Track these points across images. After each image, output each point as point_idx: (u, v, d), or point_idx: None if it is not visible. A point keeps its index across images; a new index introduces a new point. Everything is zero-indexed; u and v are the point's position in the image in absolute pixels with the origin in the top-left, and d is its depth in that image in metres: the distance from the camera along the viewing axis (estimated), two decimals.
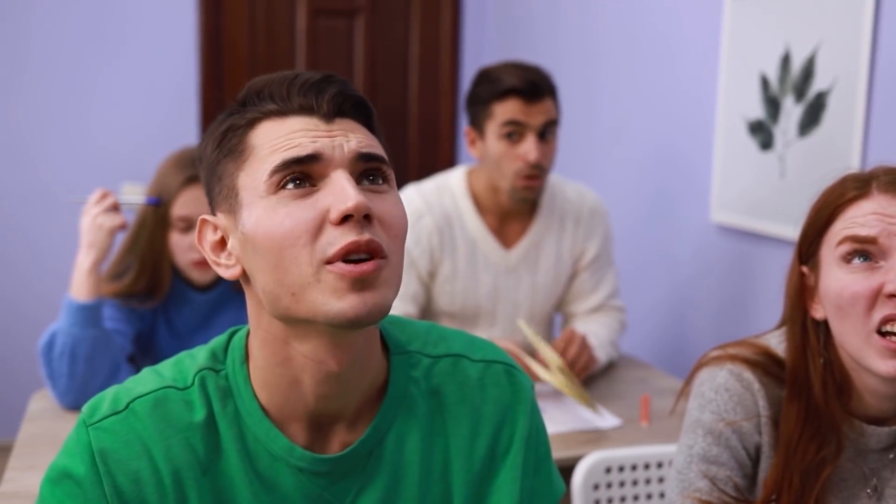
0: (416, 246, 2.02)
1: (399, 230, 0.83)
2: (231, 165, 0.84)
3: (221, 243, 0.87)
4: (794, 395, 1.13)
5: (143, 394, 0.87)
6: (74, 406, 1.75)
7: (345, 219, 0.79)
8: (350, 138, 0.83)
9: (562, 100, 3.13)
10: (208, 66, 3.52)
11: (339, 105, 0.85)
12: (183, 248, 1.83)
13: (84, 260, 1.75)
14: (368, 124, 0.88)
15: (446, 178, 2.11)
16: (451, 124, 3.89)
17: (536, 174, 1.96)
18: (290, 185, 0.81)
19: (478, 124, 2.01)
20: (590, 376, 2.05)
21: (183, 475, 0.85)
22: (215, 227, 0.87)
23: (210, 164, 0.87)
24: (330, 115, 0.84)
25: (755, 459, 1.16)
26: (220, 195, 0.86)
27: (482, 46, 3.74)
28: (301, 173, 0.81)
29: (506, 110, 1.94)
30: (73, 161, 3.40)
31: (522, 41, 3.44)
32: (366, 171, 0.83)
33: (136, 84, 3.45)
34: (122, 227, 1.78)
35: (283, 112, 0.84)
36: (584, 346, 1.96)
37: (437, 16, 3.81)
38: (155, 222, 1.83)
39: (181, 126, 3.50)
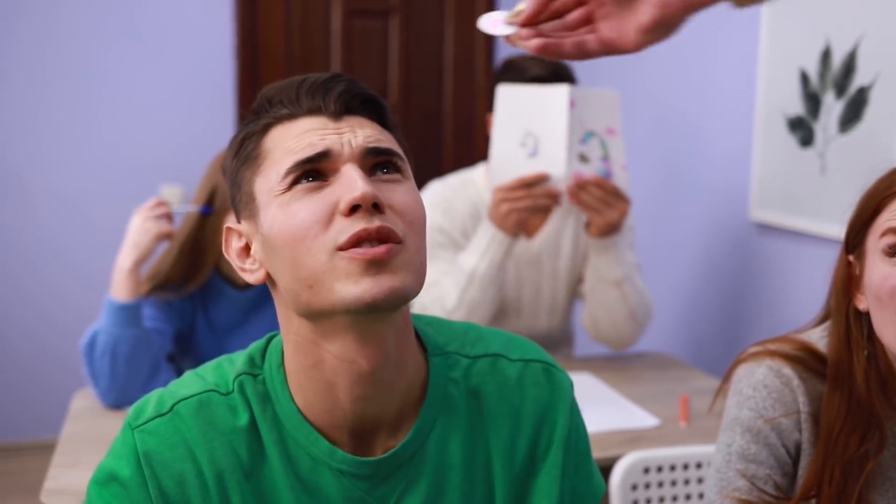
0: (452, 227, 2.05)
1: (414, 216, 0.84)
2: (248, 172, 0.86)
3: (246, 249, 0.88)
4: (836, 387, 1.10)
5: (187, 396, 0.88)
6: (116, 404, 1.77)
7: (355, 209, 0.79)
8: (358, 134, 0.84)
9: None
10: (245, 69, 3.55)
11: (347, 103, 0.86)
12: None
13: (125, 260, 1.77)
14: (381, 120, 0.89)
15: (469, 173, 2.16)
16: (486, 124, 3.88)
17: None
18: (303, 182, 0.82)
19: None
20: (621, 361, 2.03)
21: (226, 478, 0.86)
22: (239, 235, 0.89)
23: (231, 175, 0.89)
24: (338, 113, 0.85)
25: (795, 458, 1.14)
26: (241, 203, 0.88)
27: (517, 47, 3.72)
28: (313, 170, 0.82)
29: None
30: (110, 164, 3.44)
31: None
32: (377, 164, 0.84)
33: (173, 87, 3.48)
34: (169, 235, 1.81)
35: (293, 115, 0.86)
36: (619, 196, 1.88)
37: (472, 15, 3.81)
38: (205, 226, 1.82)
39: (218, 128, 3.53)
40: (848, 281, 1.12)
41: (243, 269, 0.88)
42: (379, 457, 0.87)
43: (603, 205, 1.88)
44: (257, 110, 0.88)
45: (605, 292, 2.00)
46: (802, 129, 2.05)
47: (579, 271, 2.16)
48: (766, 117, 2.17)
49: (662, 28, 0.74)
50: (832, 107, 1.95)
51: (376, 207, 0.80)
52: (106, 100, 3.42)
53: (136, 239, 1.78)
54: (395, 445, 0.88)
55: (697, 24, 2.49)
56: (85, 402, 1.84)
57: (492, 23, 0.80)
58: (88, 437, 1.66)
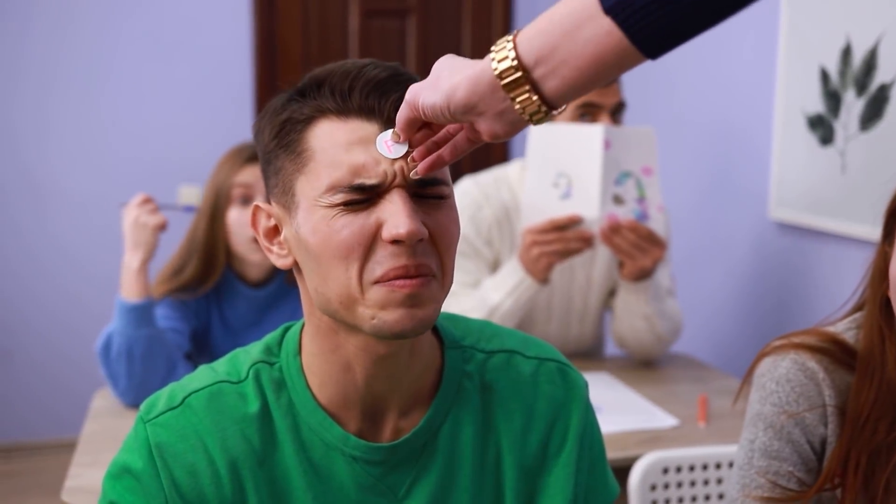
0: (477, 237, 2.02)
1: (450, 242, 0.84)
2: (289, 164, 0.84)
3: (275, 230, 0.88)
4: (866, 374, 1.08)
5: (197, 389, 0.89)
6: (135, 404, 1.78)
7: (397, 240, 0.79)
8: (410, 155, 0.81)
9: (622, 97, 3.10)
10: (263, 69, 3.56)
11: None
12: (242, 223, 1.83)
13: (131, 260, 1.78)
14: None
15: (504, 171, 2.11)
16: None
17: None
18: (348, 201, 0.80)
19: None
20: (640, 367, 2.02)
21: (239, 466, 0.87)
22: (269, 215, 0.88)
23: (266, 153, 0.87)
24: (392, 121, 0.81)
25: (820, 453, 1.11)
26: (277, 188, 0.86)
27: None
28: (361, 195, 0.81)
29: None
30: (128, 166, 3.46)
31: None
32: (423, 189, 0.83)
33: (191, 87, 3.50)
34: (164, 225, 1.81)
35: (343, 112, 0.82)
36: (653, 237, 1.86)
37: (489, 15, 3.80)
38: (211, 213, 1.85)
39: (237, 128, 3.54)
40: (883, 269, 1.11)
41: (270, 251, 0.88)
42: (391, 443, 0.88)
43: (636, 250, 1.84)
44: (303, 91, 0.85)
45: (633, 321, 2.02)
46: (823, 128, 2.03)
47: (614, 280, 2.12)
48: (786, 116, 2.15)
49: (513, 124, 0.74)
50: (853, 105, 1.94)
51: (418, 241, 0.80)
52: (123, 101, 3.44)
53: (137, 237, 1.79)
54: (406, 432, 0.89)
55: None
56: (105, 402, 1.85)
57: (386, 145, 0.81)
58: (108, 436, 1.67)
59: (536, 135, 1.83)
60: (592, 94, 1.94)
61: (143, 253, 1.79)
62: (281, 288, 1.95)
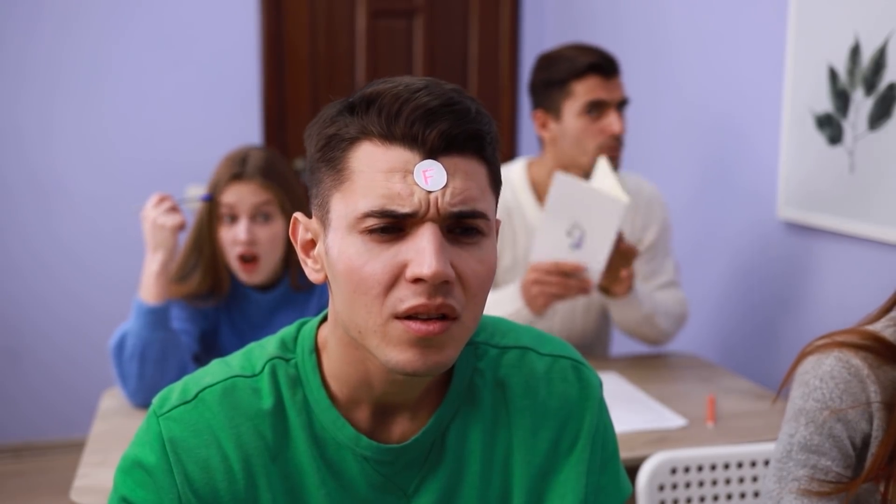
0: None
1: (479, 288, 0.82)
2: (328, 179, 0.83)
3: (311, 244, 0.88)
4: None
5: (211, 384, 0.89)
6: (144, 404, 1.79)
7: (420, 279, 0.78)
8: (447, 188, 0.79)
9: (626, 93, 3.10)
10: (270, 70, 3.57)
11: (449, 140, 0.80)
12: (228, 241, 1.85)
13: (151, 262, 1.79)
14: (482, 153, 0.83)
15: (507, 171, 2.13)
16: (511, 122, 3.87)
17: (617, 146, 2.02)
18: (379, 231, 0.79)
19: (552, 106, 2.04)
20: (648, 361, 2.02)
21: (252, 462, 0.87)
22: (307, 228, 0.88)
23: (311, 162, 0.87)
24: (435, 152, 0.80)
25: (861, 450, 1.10)
26: (316, 200, 0.86)
27: (542, 44, 3.72)
28: (392, 223, 0.79)
29: (588, 88, 1.99)
30: (135, 167, 3.47)
31: (583, 39, 3.42)
32: (458, 223, 0.81)
33: (198, 89, 3.51)
34: (183, 225, 1.82)
35: (386, 136, 0.80)
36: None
37: (496, 14, 3.80)
38: (209, 219, 1.86)
39: (245, 129, 3.55)
40: None
41: (305, 264, 0.88)
42: (401, 444, 0.89)
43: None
44: (353, 107, 0.83)
45: (631, 325, 2.08)
46: (831, 127, 2.02)
47: None
48: (794, 115, 2.15)
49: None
50: (861, 104, 1.93)
51: (444, 282, 0.79)
52: (129, 101, 3.45)
53: (156, 240, 1.79)
54: (415, 429, 0.90)
55: (725, 22, 2.48)
56: (113, 402, 1.86)
57: (424, 175, 0.80)
58: (117, 436, 1.67)
59: (562, 182, 1.86)
60: (601, 91, 1.99)
61: (163, 255, 1.79)
62: (287, 292, 1.95)
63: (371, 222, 0.79)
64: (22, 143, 3.37)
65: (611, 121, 1.99)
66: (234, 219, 1.84)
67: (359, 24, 3.67)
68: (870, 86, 1.90)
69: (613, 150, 2.01)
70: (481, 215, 0.81)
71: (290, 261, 1.92)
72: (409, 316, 0.79)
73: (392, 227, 0.79)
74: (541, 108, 2.06)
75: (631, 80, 3.02)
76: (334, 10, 3.64)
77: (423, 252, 0.78)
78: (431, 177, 0.79)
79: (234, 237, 1.83)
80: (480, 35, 3.81)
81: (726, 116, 2.48)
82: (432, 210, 0.79)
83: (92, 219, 3.46)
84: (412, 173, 0.79)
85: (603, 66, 1.99)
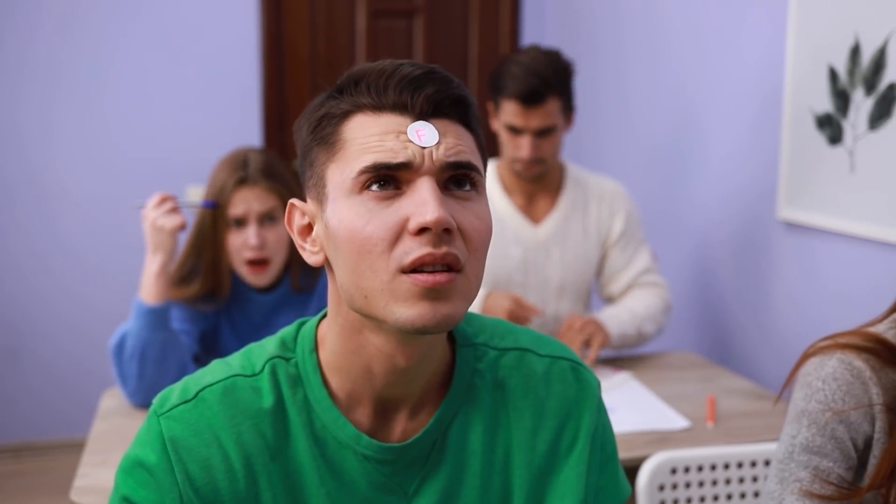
0: None
1: (480, 242, 0.83)
2: (322, 155, 0.85)
3: (308, 228, 0.89)
4: None
5: (211, 383, 0.89)
6: (143, 405, 1.79)
7: (423, 230, 0.79)
8: (440, 145, 0.82)
9: (624, 95, 3.10)
10: (270, 70, 3.57)
11: (436, 105, 0.83)
12: (237, 246, 1.85)
13: (151, 263, 1.79)
14: (465, 120, 0.86)
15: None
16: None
17: (532, 166, 2.14)
18: (375, 187, 0.81)
19: (494, 105, 2.18)
20: (648, 361, 2.02)
21: (253, 461, 0.87)
22: (303, 213, 0.89)
23: (303, 148, 0.88)
24: (424, 115, 0.83)
25: (863, 452, 1.10)
26: (310, 181, 0.87)
27: (541, 44, 3.71)
28: (388, 176, 0.81)
29: (507, 111, 2.12)
30: (135, 166, 3.47)
31: (583, 39, 3.42)
32: (453, 177, 0.83)
33: (198, 88, 3.51)
34: (183, 226, 1.81)
35: (377, 107, 0.83)
36: (591, 322, 2.09)
37: (496, 15, 3.80)
38: (213, 224, 1.86)
39: (244, 128, 3.55)
40: None
41: (303, 248, 0.89)
42: (402, 444, 0.89)
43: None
44: (341, 89, 0.86)
45: (628, 346, 2.21)
46: (831, 127, 2.02)
47: (593, 259, 2.26)
48: (794, 115, 2.15)
49: None
50: (861, 104, 1.93)
51: (446, 231, 0.80)
52: (129, 101, 3.45)
53: (155, 241, 1.79)
54: (415, 429, 0.90)
55: (725, 23, 2.48)
56: (113, 402, 1.86)
57: (416, 134, 0.83)
58: (117, 436, 1.68)
59: None
60: (517, 119, 2.09)
61: (162, 256, 1.79)
62: (287, 292, 1.96)
63: (367, 177, 0.81)
64: (23, 142, 3.38)
65: (521, 144, 2.11)
66: (240, 223, 1.84)
67: (359, 24, 3.67)
68: (870, 86, 1.90)
69: (527, 168, 2.14)
70: (475, 168, 0.84)
71: (290, 262, 1.93)
72: (416, 269, 0.79)
73: (388, 179, 0.81)
74: (491, 101, 2.19)
75: (631, 79, 3.02)
76: (334, 10, 3.64)
77: (424, 202, 0.79)
78: (424, 135, 0.82)
79: (243, 242, 1.84)
80: (480, 35, 3.81)
81: (726, 116, 2.48)
82: (427, 162, 0.81)
83: (92, 218, 3.46)
84: (405, 132, 0.81)
85: (523, 97, 2.06)
